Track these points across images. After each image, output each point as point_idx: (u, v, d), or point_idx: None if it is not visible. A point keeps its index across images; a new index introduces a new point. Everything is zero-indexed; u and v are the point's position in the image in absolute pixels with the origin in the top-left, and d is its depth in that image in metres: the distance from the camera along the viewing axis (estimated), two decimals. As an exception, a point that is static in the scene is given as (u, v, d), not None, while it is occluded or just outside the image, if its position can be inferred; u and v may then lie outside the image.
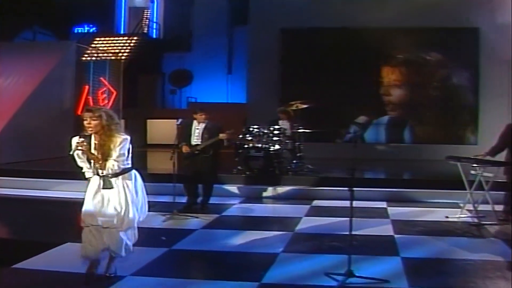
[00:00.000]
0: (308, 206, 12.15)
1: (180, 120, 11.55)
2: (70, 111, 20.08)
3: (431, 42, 21.12)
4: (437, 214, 11.23)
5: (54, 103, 19.20)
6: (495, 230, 9.98)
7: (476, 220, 10.32)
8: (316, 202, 12.56)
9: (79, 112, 20.18)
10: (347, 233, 7.14)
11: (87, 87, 20.95)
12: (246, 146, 14.14)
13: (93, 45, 26.18)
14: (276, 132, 14.36)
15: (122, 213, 6.72)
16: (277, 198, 13.21)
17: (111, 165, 6.61)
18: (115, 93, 22.29)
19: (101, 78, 21.89)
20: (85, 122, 6.64)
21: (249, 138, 14.30)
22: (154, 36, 31.27)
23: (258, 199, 13.27)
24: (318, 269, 7.27)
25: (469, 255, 8.20)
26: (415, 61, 21.57)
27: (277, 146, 14.19)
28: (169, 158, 10.89)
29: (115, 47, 27.86)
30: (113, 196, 6.74)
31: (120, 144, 6.64)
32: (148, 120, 23.89)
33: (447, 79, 21.60)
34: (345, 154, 7.27)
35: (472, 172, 10.57)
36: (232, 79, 27.45)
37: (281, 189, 13.47)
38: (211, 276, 7.34)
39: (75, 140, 6.67)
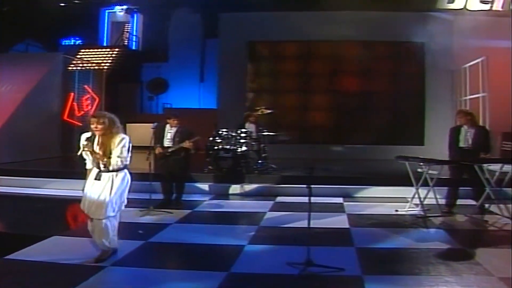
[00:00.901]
0: (272, 202, 12.18)
1: (155, 124, 11.56)
2: (57, 116, 20.06)
3: (382, 54, 21.34)
4: (388, 208, 11.35)
5: (43, 108, 19.05)
6: (439, 222, 10.14)
7: (422, 213, 10.44)
8: (279, 199, 12.59)
9: (65, 117, 20.16)
10: (307, 226, 7.17)
11: (72, 94, 20.79)
12: (216, 147, 14.13)
13: (78, 56, 26.00)
14: (243, 135, 14.39)
15: (102, 204, 7.08)
16: (244, 195, 13.21)
17: (115, 162, 7.08)
18: (97, 99, 22.15)
19: (85, 86, 21.72)
20: (92, 126, 7.12)
21: (219, 140, 14.31)
22: (134, 48, 31.13)
23: (227, 196, 13.26)
24: (280, 259, 7.29)
25: (416, 244, 8.35)
26: (368, 71, 21.78)
27: (244, 148, 14.20)
28: (145, 158, 10.92)
29: (98, 58, 27.73)
30: (98, 187, 7.13)
31: (120, 143, 7.12)
32: (128, 124, 23.76)
33: (396, 86, 21.84)
34: (304, 154, 7.32)
35: (419, 170, 10.70)
36: (204, 87, 27.37)
37: (248, 187, 13.46)
38: (184, 266, 7.36)
39: (83, 138, 7.27)
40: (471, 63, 19.07)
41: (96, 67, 23.95)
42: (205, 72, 27.60)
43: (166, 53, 28.32)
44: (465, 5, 21.29)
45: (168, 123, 11.53)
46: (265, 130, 15.13)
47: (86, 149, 7.18)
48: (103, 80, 22.91)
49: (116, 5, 29.46)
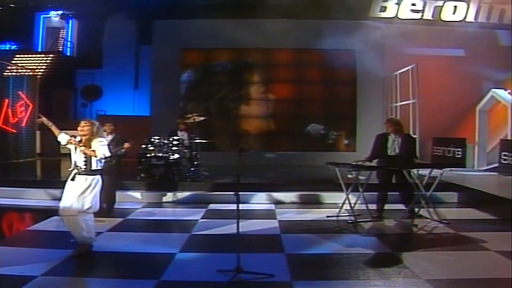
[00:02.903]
0: (204, 210, 12.09)
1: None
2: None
3: (314, 61, 21.53)
4: (319, 214, 11.41)
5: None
6: (369, 227, 10.28)
7: (353, 218, 10.53)
8: (212, 206, 12.50)
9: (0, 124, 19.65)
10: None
11: (7, 100, 20.29)
12: (148, 155, 13.98)
13: (13, 62, 25.50)
14: (175, 142, 14.29)
15: (80, 202, 7.88)
16: (176, 203, 13.08)
17: (101, 151, 7.97)
18: (32, 106, 21.69)
19: (20, 92, 21.20)
20: (79, 128, 8.05)
21: (151, 148, 14.16)
22: (68, 54, 30.71)
23: (159, 203, 13.13)
24: (211, 266, 7.26)
25: (345, 249, 8.43)
26: (300, 78, 21.97)
27: (176, 155, 14.10)
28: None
29: (33, 64, 27.26)
30: (76, 187, 7.92)
31: (101, 142, 8.07)
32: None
33: (328, 93, 22.10)
34: (236, 161, 7.27)
35: (349, 176, 10.79)
36: (138, 94, 27.13)
37: (180, 194, 13.35)
38: (115, 275, 7.23)
39: (63, 136, 8.24)
40: (402, 70, 19.44)
41: (30, 73, 23.44)
42: (140, 79, 27.32)
43: (100, 60, 27.96)
44: (397, 14, 21.75)
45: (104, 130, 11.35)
46: (197, 138, 15.04)
47: (72, 142, 8.03)
48: (37, 86, 22.44)
49: (51, 10, 29.00)
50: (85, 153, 7.94)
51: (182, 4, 21.22)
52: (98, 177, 8.14)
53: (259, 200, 12.81)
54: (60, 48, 30.93)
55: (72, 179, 7.95)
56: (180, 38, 21.63)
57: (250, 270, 6.84)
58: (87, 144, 7.98)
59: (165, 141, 14.20)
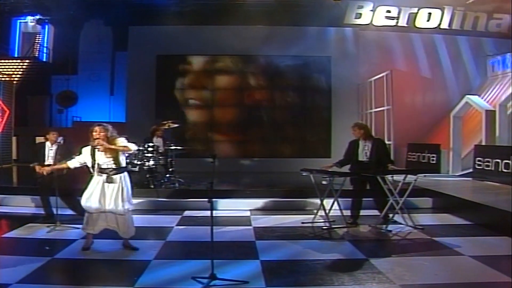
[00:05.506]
0: (179, 216, 12.02)
1: (61, 138, 11.29)
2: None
3: (289, 68, 21.56)
4: (294, 220, 11.41)
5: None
6: (343, 232, 10.29)
7: (327, 224, 10.53)
8: (187, 213, 12.41)
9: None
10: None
11: (-17, 106, 20.12)
12: (123, 162, 13.88)
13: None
14: (150, 149, 14.19)
15: (124, 202, 8.52)
16: (151, 210, 12.98)
17: (129, 145, 8.68)
18: (8, 112, 21.46)
19: (-5, 98, 21.03)
20: (94, 134, 8.46)
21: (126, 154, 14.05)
22: (44, 59, 30.47)
23: (134, 210, 12.97)
24: (185, 273, 7.27)
25: (320, 255, 8.43)
26: (275, 85, 22.04)
27: (151, 162, 14.03)
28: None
29: (8, 69, 27.06)
30: (115, 188, 8.46)
31: (123, 141, 8.64)
32: (37, 138, 23.16)
33: (303, 100, 22.19)
34: (210, 168, 7.25)
35: (323, 182, 10.78)
36: (114, 100, 27.03)
37: (155, 201, 13.29)
38: (90, 282, 7.11)
39: (73, 162, 8.87)
40: (376, 77, 19.55)
41: (6, 79, 23.21)
42: (115, 85, 27.23)
43: (76, 66, 27.82)
44: (371, 21, 22.00)
45: (47, 139, 11.23)
46: (172, 144, 14.96)
47: (97, 144, 8.41)
48: (13, 92, 22.21)
49: (27, 15, 28.74)
50: (117, 151, 8.51)
51: (158, 10, 21.16)
52: (126, 172, 8.71)
53: (234, 207, 12.73)
54: (36, 54, 30.70)
55: (110, 181, 8.44)
56: (156, 44, 21.61)
57: (225, 277, 6.84)
58: (107, 148, 8.43)
59: (140, 148, 14.10)
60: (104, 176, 8.46)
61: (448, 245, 8.99)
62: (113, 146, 8.44)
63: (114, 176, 8.47)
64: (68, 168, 9.03)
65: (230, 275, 6.95)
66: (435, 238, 9.64)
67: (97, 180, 8.50)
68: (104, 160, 8.48)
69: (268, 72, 21.74)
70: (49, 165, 10.80)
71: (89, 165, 8.58)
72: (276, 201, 13.29)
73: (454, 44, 22.26)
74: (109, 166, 8.47)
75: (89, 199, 8.50)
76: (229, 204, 12.78)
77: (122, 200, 8.51)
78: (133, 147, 8.80)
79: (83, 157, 8.65)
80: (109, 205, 8.49)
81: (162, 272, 7.51)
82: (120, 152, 8.58)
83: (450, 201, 12.70)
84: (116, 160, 8.51)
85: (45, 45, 30.57)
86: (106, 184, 8.47)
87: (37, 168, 10.79)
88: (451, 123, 19.58)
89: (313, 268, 7.62)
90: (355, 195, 11.18)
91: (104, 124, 8.74)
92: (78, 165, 8.80)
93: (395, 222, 10.80)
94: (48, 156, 11.08)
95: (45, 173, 10.16)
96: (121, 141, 8.59)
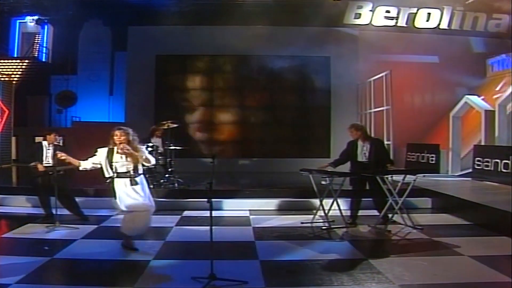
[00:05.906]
0: (179, 217, 12.04)
1: (59, 139, 11.29)
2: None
3: (288, 68, 21.55)
4: (294, 220, 11.41)
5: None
6: (343, 233, 10.29)
7: (327, 224, 10.52)
8: (186, 213, 12.45)
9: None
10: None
11: (-18, 107, 20.10)
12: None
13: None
14: (149, 149, 14.14)
15: (151, 201, 8.77)
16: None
17: (150, 158, 8.85)
18: (7, 112, 21.45)
19: (-5, 98, 21.02)
20: (115, 137, 8.54)
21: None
22: (44, 59, 30.42)
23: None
24: (185, 273, 7.24)
25: (319, 255, 8.44)
26: (274, 85, 22.02)
27: (151, 162, 14.02)
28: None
29: (8, 69, 27.05)
30: (140, 189, 8.61)
31: (142, 148, 8.93)
32: (37, 138, 23.12)
33: (303, 100, 22.19)
34: (210, 168, 7.26)
35: (323, 182, 10.78)
36: (113, 100, 26.97)
37: (155, 201, 13.25)
38: (90, 283, 7.12)
39: (86, 163, 8.92)
40: (376, 77, 19.53)
41: (6, 79, 23.19)
42: (115, 85, 27.18)
43: (75, 66, 27.77)
44: (371, 21, 21.98)
45: (45, 140, 11.22)
46: (171, 144, 14.95)
47: (122, 147, 8.47)
48: (12, 92, 22.19)
49: (27, 16, 28.70)
50: (136, 159, 8.60)
51: (157, 10, 21.14)
52: (142, 175, 8.79)
53: (234, 207, 12.77)
54: (36, 54, 30.66)
55: (135, 184, 8.53)
56: (155, 44, 21.57)
57: (224, 277, 6.82)
58: (129, 153, 8.53)
59: (140, 148, 14.09)
60: (127, 179, 8.55)
61: (448, 245, 8.99)
62: (136, 154, 8.52)
63: (136, 179, 8.57)
64: (77, 168, 9.07)
65: (230, 275, 6.91)
66: (435, 238, 9.64)
67: (123, 182, 8.56)
68: (123, 163, 8.56)
69: (268, 72, 21.69)
70: (47, 165, 10.86)
71: (104, 167, 8.62)
72: (276, 201, 13.28)
73: (454, 44, 22.25)
74: (128, 170, 8.57)
75: (125, 200, 8.55)
76: (229, 204, 12.83)
77: (147, 198, 8.69)
78: (153, 161, 9.04)
79: (98, 159, 8.71)
80: (145, 204, 8.61)
81: (161, 272, 7.50)
82: (142, 151, 8.76)
83: (449, 201, 12.71)
84: (135, 166, 8.59)
85: (44, 45, 30.50)
86: (132, 187, 8.56)
87: (40, 166, 10.85)
88: (450, 123, 19.60)
89: (312, 268, 7.61)
90: (355, 195, 11.19)
91: (124, 128, 8.78)
92: (89, 166, 8.88)
93: (395, 222, 10.78)
94: (45, 156, 11.08)
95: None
96: (143, 151, 8.77)
